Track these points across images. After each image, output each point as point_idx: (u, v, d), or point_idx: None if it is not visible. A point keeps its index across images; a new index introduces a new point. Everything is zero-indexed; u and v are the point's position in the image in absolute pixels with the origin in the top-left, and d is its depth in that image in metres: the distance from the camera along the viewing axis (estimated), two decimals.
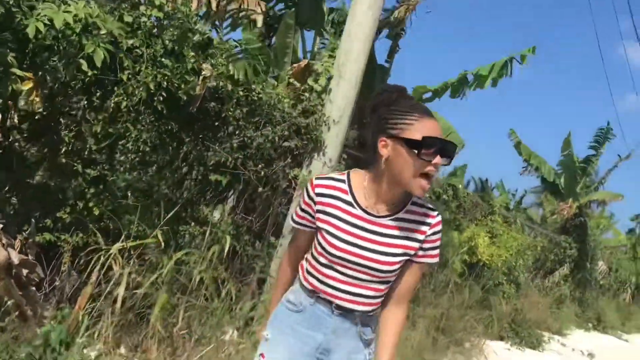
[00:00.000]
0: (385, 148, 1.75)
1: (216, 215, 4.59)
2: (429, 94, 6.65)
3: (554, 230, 14.32)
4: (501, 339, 8.35)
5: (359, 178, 1.87)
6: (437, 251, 1.92)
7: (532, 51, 5.96)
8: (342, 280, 1.85)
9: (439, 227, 1.90)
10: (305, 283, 1.92)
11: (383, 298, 1.92)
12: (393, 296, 1.94)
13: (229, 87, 4.40)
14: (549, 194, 16.33)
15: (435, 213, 1.89)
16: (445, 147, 1.72)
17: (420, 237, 1.86)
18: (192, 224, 4.45)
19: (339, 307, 1.87)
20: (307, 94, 4.93)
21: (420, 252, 1.88)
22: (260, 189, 4.71)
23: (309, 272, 1.91)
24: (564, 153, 14.72)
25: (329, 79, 5.06)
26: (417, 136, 1.69)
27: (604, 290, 16.50)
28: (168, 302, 3.64)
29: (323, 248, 1.84)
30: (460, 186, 9.20)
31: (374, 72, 6.18)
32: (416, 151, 1.68)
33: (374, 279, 1.84)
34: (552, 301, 11.46)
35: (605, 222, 19.69)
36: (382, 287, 1.88)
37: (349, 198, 1.85)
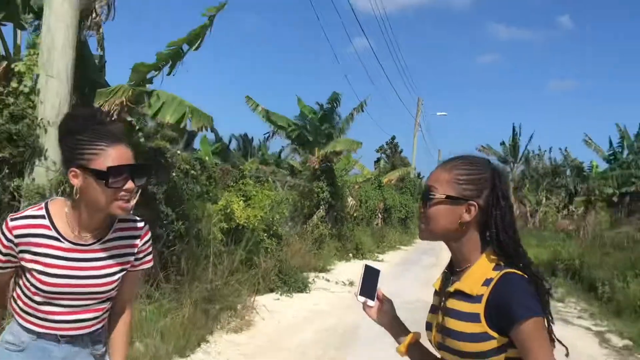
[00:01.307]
0: (76, 178, 1.76)
1: None
2: (153, 72, 6.54)
3: (307, 178, 15.51)
4: (272, 291, 8.96)
5: (59, 208, 1.86)
6: (150, 256, 2.04)
7: (221, 7, 5.90)
8: (64, 312, 1.84)
9: (149, 236, 2.01)
10: (24, 323, 1.87)
11: (108, 312, 1.98)
12: (118, 306, 2.02)
13: None
14: (299, 147, 17.56)
15: (142, 224, 1.99)
16: (135, 171, 1.79)
17: (134, 250, 1.95)
18: None
19: (64, 335, 1.86)
20: (11, 98, 4.56)
21: (136, 263, 1.98)
22: None
23: (25, 312, 1.87)
24: (302, 108, 15.83)
25: (36, 78, 4.74)
26: (103, 166, 1.72)
27: (358, 222, 18.50)
28: None
29: (36, 287, 1.81)
30: (207, 158, 9.41)
31: (88, 63, 5.92)
32: (104, 182, 1.73)
33: (96, 301, 1.88)
34: (313, 243, 12.54)
35: (352, 161, 21.85)
36: (105, 305, 1.93)
37: (53, 233, 1.82)
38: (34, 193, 4.44)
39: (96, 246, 1.86)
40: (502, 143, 35.78)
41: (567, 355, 1.62)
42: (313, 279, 10.45)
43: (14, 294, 1.93)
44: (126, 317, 2.07)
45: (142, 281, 5.79)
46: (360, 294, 1.76)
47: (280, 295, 8.90)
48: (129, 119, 6.47)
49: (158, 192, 6.44)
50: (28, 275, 1.83)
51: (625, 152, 26.98)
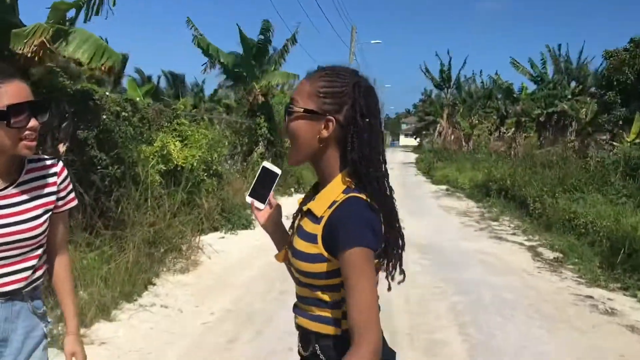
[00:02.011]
0: None
1: None
2: (73, 12, 6.12)
3: (243, 114, 15.24)
4: (216, 230, 8.94)
5: None
6: (73, 194, 1.95)
7: None
8: None
9: (66, 173, 1.91)
10: None
11: (45, 259, 1.90)
12: (52, 253, 1.95)
13: None
14: (234, 82, 17.12)
15: (56, 161, 1.89)
16: (36, 107, 1.68)
17: (53, 189, 1.85)
18: None
19: (3, 294, 1.77)
20: None
21: (60, 203, 1.89)
22: None
23: None
24: (240, 41, 15.29)
25: None
26: (1, 105, 1.60)
27: None
28: None
29: None
30: (138, 99, 9.04)
31: None
32: (5, 122, 1.61)
33: (28, 248, 1.79)
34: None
35: (287, 95, 21.60)
36: (39, 252, 1.84)
37: None
38: None
39: (11, 190, 1.76)
40: (441, 70, 36.11)
41: (401, 282, 1.57)
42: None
43: None
44: (65, 261, 2.00)
45: (80, 228, 5.63)
46: (250, 195, 1.67)
47: (225, 233, 8.90)
48: (49, 63, 6.08)
49: (89, 137, 6.17)
50: None
51: (551, 73, 27.87)
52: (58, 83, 6.20)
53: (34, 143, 1.70)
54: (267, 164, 1.69)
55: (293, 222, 1.61)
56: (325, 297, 1.48)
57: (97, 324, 4.76)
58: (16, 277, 1.78)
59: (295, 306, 1.61)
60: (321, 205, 1.46)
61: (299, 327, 1.59)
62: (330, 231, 1.41)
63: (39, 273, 1.86)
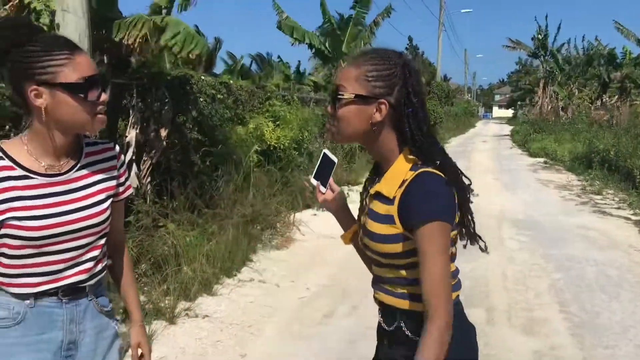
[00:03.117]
0: (40, 97, 1.49)
1: None
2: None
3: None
4: (308, 207, 9.10)
5: (17, 144, 1.59)
6: (129, 181, 1.86)
7: None
8: (62, 259, 1.62)
9: (123, 157, 1.84)
10: (14, 289, 1.59)
11: (106, 252, 1.79)
12: (111, 241, 1.82)
13: None
14: (320, 60, 17.19)
15: (112, 144, 1.79)
16: (104, 82, 1.60)
17: (114, 173, 1.75)
18: None
19: (66, 291, 1.64)
20: None
21: (121, 189, 1.79)
22: None
23: (13, 276, 1.58)
24: (325, 19, 15.35)
25: (53, 14, 4.66)
26: (73, 78, 1.50)
27: None
28: None
29: (22, 237, 1.54)
30: (231, 82, 9.30)
31: None
32: (83, 95, 1.51)
33: (94, 237, 1.67)
34: (344, 158, 12.55)
35: None
36: (103, 241, 1.72)
37: (19, 172, 1.55)
38: None
39: (73, 174, 1.64)
40: (533, 38, 34.40)
41: (485, 249, 1.66)
42: (347, 193, 10.45)
43: None
44: (125, 253, 1.92)
45: (183, 208, 5.91)
46: (314, 177, 1.76)
47: (317, 210, 9.03)
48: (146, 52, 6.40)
49: (188, 120, 6.46)
50: (6, 229, 1.54)
51: None
52: (157, 69, 6.51)
53: (106, 117, 1.63)
54: (327, 151, 1.76)
55: (362, 204, 1.63)
56: (409, 275, 1.51)
57: (200, 298, 5.02)
58: (83, 268, 1.67)
59: (374, 282, 1.66)
60: (390, 186, 1.49)
61: (380, 303, 1.63)
62: (406, 208, 1.44)
63: (100, 266, 1.74)
